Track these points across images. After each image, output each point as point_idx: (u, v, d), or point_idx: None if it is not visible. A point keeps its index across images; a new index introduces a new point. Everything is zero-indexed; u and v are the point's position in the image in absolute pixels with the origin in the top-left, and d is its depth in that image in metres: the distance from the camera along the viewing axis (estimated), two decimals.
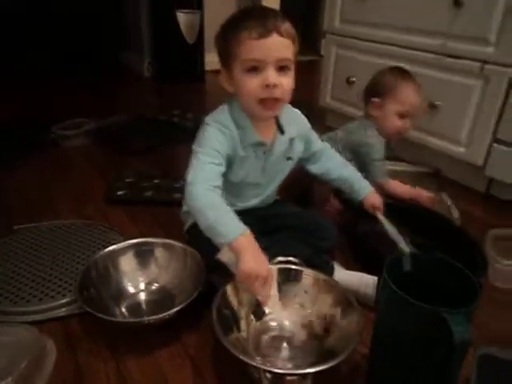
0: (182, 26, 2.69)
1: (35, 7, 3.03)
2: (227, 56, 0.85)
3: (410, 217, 1.15)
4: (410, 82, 1.22)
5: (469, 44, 1.37)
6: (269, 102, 0.84)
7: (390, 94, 1.21)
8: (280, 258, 0.87)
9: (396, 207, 1.13)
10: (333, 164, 1.08)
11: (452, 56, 1.43)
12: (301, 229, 1.01)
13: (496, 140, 1.36)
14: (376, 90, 1.25)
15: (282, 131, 0.95)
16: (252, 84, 0.83)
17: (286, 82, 0.84)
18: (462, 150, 1.46)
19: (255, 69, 0.82)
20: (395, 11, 1.58)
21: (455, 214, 1.22)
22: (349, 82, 1.79)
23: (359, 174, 1.09)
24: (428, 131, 1.56)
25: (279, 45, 0.81)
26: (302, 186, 1.19)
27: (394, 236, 1.01)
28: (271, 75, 0.81)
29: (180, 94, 2.64)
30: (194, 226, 0.97)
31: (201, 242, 0.85)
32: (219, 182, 0.85)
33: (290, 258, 0.88)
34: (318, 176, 1.10)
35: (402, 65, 1.56)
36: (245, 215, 0.82)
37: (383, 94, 1.23)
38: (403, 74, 1.24)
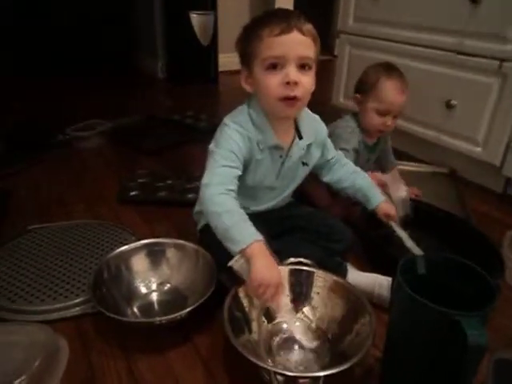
0: (196, 28, 2.70)
1: (56, 8, 3.07)
2: (248, 55, 0.84)
3: (425, 218, 1.14)
4: (394, 79, 1.18)
5: (486, 42, 1.35)
6: (289, 100, 0.83)
7: (370, 90, 1.19)
8: (292, 259, 0.86)
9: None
10: (345, 172, 1.06)
11: (469, 54, 1.41)
12: (314, 230, 1.00)
13: None
14: (358, 86, 1.24)
15: (300, 136, 0.94)
16: (273, 82, 0.81)
17: (306, 81, 0.82)
18: (478, 149, 1.44)
19: (275, 66, 0.81)
20: (410, 9, 1.56)
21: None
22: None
23: (372, 182, 1.07)
24: (444, 131, 1.53)
25: (300, 42, 0.80)
26: (299, 188, 1.17)
27: (408, 244, 1.00)
28: (292, 72, 0.80)
29: (194, 95, 2.65)
30: (207, 226, 0.97)
31: (213, 242, 0.84)
32: (234, 185, 0.84)
33: (301, 259, 0.87)
34: (330, 185, 1.09)
35: (416, 63, 1.56)
36: (258, 217, 0.82)
37: (364, 91, 1.21)
38: (388, 70, 1.20)
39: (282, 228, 1.01)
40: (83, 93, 2.61)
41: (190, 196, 1.33)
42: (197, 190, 1.34)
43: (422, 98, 1.58)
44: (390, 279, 0.92)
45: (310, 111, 0.99)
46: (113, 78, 2.98)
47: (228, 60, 3.10)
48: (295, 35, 0.79)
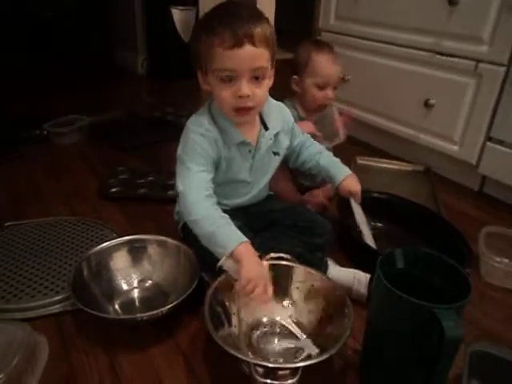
0: (177, 23, 2.67)
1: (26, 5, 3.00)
2: (201, 58, 0.84)
3: (393, 208, 1.20)
4: (325, 52, 1.21)
5: (463, 42, 1.38)
6: (243, 110, 0.85)
7: (305, 67, 1.21)
8: (272, 255, 0.87)
9: (378, 199, 1.20)
10: (309, 154, 1.07)
11: (446, 54, 1.43)
12: (295, 225, 1.01)
13: (489, 138, 1.37)
14: (294, 68, 1.25)
15: (266, 127, 0.95)
16: (226, 94, 0.83)
17: (259, 92, 0.83)
18: (455, 148, 1.47)
19: (229, 78, 0.81)
20: (390, 9, 1.58)
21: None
22: (344, 80, 1.80)
23: (336, 159, 1.08)
24: (421, 129, 1.56)
25: (252, 55, 0.79)
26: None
27: (362, 227, 1.02)
28: (244, 87, 0.81)
29: (174, 91, 2.63)
30: (183, 227, 0.98)
31: (195, 240, 0.85)
32: (211, 189, 0.86)
33: (282, 255, 0.88)
34: (297, 168, 1.10)
35: (396, 63, 1.58)
36: (237, 212, 0.82)
37: (300, 70, 1.23)
38: (317, 45, 1.23)
39: (262, 223, 1.02)
40: (61, 88, 2.56)
41: (170, 192, 1.32)
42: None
43: (401, 97, 1.61)
44: (368, 276, 0.93)
45: (273, 100, 1.00)
46: (92, 74, 2.93)
47: None
48: (246, 49, 0.78)
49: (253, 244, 0.80)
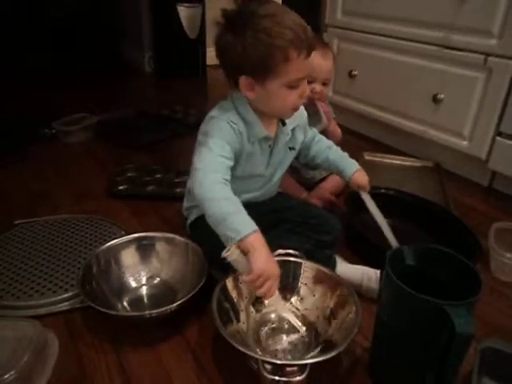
0: (183, 20, 2.67)
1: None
2: (263, 68, 0.80)
3: (401, 204, 1.20)
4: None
5: (472, 36, 1.36)
6: (298, 107, 0.88)
7: None
8: (280, 251, 0.87)
9: (386, 195, 1.20)
10: (318, 148, 1.07)
11: (455, 48, 1.42)
12: (304, 222, 1.01)
13: (499, 133, 1.35)
14: None
15: (283, 122, 0.95)
16: (292, 97, 0.84)
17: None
18: (464, 143, 1.46)
19: (298, 83, 0.82)
20: (398, 3, 1.57)
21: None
22: (351, 76, 1.79)
23: (345, 154, 1.08)
24: (430, 124, 1.55)
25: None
26: None
27: (379, 220, 1.02)
28: (306, 87, 0.85)
29: (181, 89, 2.64)
30: (197, 220, 0.97)
31: (204, 237, 0.85)
32: (229, 176, 0.83)
33: (290, 251, 0.87)
34: (307, 164, 1.11)
35: (404, 58, 1.57)
36: (248, 209, 0.82)
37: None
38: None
39: (272, 220, 1.01)
40: (69, 86, 2.57)
41: (178, 190, 1.33)
42: (185, 185, 1.34)
43: (409, 92, 1.59)
44: (378, 272, 0.93)
45: None
46: (99, 72, 2.94)
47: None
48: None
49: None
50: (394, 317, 0.68)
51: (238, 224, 0.74)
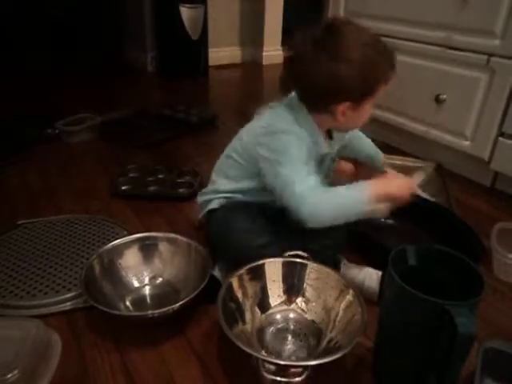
0: (186, 21, 2.67)
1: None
2: (367, 92, 0.84)
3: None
4: None
5: (474, 37, 1.36)
6: None
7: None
8: (289, 252, 0.87)
9: None
10: (359, 144, 1.10)
11: (458, 49, 1.42)
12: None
13: (502, 134, 1.35)
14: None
15: (331, 137, 0.96)
16: (371, 110, 0.88)
17: None
18: (467, 143, 1.45)
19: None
20: (400, 3, 1.57)
21: None
22: None
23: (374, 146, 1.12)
24: (432, 124, 1.55)
25: None
26: None
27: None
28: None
29: (183, 88, 2.64)
30: (210, 212, 0.98)
31: (218, 225, 0.92)
32: (319, 182, 0.84)
33: (299, 252, 0.87)
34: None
35: (407, 58, 1.57)
36: (265, 211, 0.82)
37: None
38: None
39: (284, 221, 1.01)
40: (72, 86, 2.58)
41: (181, 190, 1.33)
42: (188, 185, 1.36)
43: (411, 92, 1.59)
44: (379, 272, 0.93)
45: None
46: (101, 72, 2.95)
47: (218, 55, 3.08)
48: None
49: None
50: (397, 317, 0.68)
51: (355, 196, 0.82)
